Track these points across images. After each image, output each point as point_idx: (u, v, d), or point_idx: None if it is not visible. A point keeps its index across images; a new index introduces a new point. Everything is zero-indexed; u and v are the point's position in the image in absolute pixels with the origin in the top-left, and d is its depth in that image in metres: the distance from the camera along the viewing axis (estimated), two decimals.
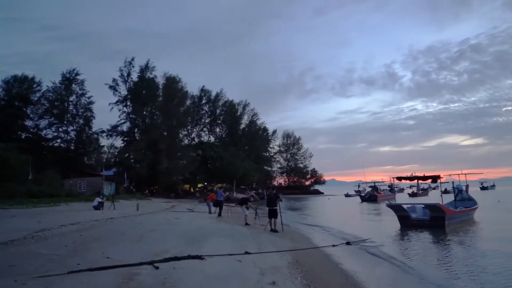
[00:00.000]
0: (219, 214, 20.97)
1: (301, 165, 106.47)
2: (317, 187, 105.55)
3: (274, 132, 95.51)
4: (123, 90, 57.84)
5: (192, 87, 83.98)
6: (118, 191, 44.40)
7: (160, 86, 59.77)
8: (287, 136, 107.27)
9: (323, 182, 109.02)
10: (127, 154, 55.37)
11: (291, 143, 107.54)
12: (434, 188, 72.65)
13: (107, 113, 60.97)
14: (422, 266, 10.10)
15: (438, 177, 23.33)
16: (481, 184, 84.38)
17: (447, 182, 28.64)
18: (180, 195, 55.16)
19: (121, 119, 57.95)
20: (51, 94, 51.98)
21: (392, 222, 19.96)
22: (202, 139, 75.35)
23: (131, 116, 58.37)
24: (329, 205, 47.82)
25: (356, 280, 8.01)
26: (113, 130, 57.78)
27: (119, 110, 57.85)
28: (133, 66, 57.62)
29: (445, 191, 29.47)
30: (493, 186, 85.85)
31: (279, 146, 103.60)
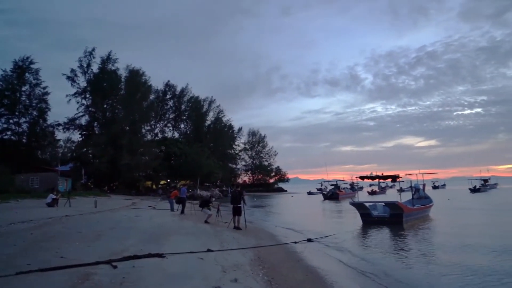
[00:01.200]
0: (182, 212, 20.64)
1: (266, 163, 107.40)
2: (281, 185, 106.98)
3: (240, 129, 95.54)
4: (82, 81, 54.95)
5: (157, 82, 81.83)
6: (75, 188, 42.34)
7: (123, 79, 57.56)
8: (252, 134, 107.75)
9: (287, 180, 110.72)
10: (85, 149, 52.84)
11: (256, 141, 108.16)
12: (391, 187, 76.24)
13: (64, 106, 58.00)
14: (379, 260, 10.57)
15: (398, 176, 24.61)
16: (433, 183, 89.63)
17: (403, 181, 30.21)
18: (141, 192, 53.65)
19: (79, 112, 55.08)
20: (1, 83, 48.35)
21: (354, 219, 20.69)
22: (166, 135, 73.64)
23: (90, 109, 55.67)
24: (292, 203, 48.64)
25: (317, 276, 8.22)
26: (71, 123, 54.82)
27: (78, 103, 54.91)
28: (93, 57, 54.82)
29: (401, 190, 31.02)
30: (443, 186, 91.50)
31: (245, 144, 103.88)
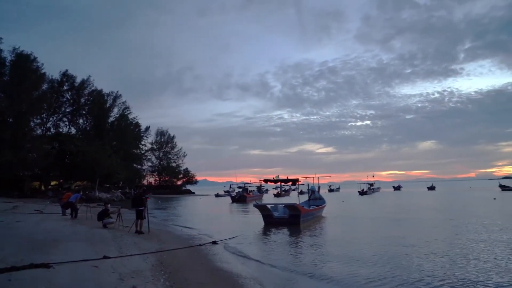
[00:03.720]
0: (75, 216, 18.65)
1: (174, 164, 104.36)
2: (189, 187, 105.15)
3: (147, 128, 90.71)
4: None
5: (53, 70, 72.52)
6: None
7: (7, 63, 49.63)
8: (161, 133, 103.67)
9: (195, 182, 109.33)
10: None
11: (165, 141, 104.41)
12: (294, 189, 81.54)
13: None
14: (277, 258, 11.18)
15: (297, 180, 26.60)
16: (329, 186, 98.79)
17: (303, 184, 32.65)
18: (27, 194, 46.81)
19: None
20: None
21: (258, 220, 21.43)
22: (61, 130, 65.73)
23: None
24: (199, 205, 48.17)
25: (220, 277, 8.28)
26: None
27: None
28: None
29: (301, 192, 33.34)
30: (338, 189, 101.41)
31: (152, 144, 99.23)
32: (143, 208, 14.20)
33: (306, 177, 29.94)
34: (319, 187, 28.67)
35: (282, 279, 8.85)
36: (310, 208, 23.17)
